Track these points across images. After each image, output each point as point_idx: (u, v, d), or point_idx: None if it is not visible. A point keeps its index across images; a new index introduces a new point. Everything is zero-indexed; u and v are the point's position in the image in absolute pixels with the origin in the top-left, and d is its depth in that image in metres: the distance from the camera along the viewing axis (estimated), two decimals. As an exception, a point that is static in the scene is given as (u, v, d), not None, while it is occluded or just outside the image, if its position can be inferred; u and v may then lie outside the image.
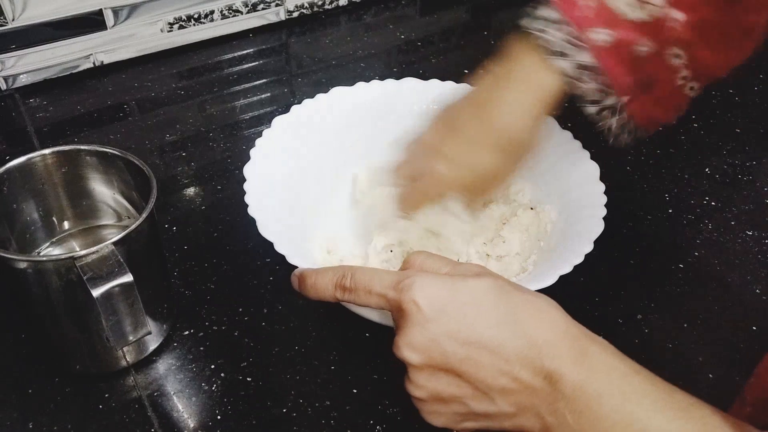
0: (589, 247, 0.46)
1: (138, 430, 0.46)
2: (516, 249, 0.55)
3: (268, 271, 0.57)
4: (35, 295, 0.44)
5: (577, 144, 0.55)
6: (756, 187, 0.67)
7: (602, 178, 0.53)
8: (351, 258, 0.55)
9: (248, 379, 0.50)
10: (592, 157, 0.54)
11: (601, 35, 0.46)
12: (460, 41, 0.87)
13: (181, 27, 0.79)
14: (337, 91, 0.59)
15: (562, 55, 0.47)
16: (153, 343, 0.50)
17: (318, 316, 0.54)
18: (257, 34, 0.85)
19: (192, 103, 0.75)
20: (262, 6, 0.83)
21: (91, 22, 0.74)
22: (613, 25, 0.46)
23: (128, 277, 0.41)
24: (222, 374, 0.50)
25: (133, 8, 0.75)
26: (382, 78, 0.61)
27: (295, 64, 0.82)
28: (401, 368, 0.39)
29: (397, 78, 0.61)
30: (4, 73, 0.73)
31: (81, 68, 0.76)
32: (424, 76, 0.61)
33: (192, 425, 0.47)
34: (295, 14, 0.86)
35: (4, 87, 0.74)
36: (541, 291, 0.43)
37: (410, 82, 0.60)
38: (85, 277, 0.40)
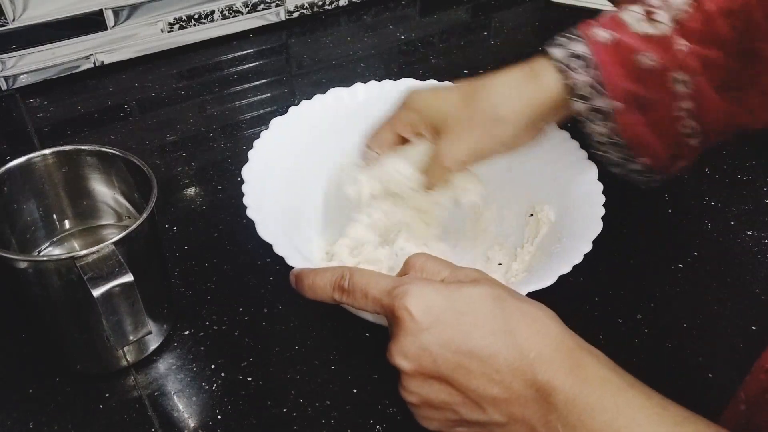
0: (588, 247, 0.46)
1: (138, 430, 0.46)
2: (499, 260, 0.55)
3: (268, 271, 0.57)
4: (36, 295, 0.44)
5: (575, 144, 0.55)
6: (755, 187, 0.67)
7: (602, 178, 0.53)
8: (350, 260, 0.55)
9: (248, 378, 0.50)
10: (591, 157, 0.54)
11: (602, 34, 0.47)
12: (460, 41, 0.87)
13: (181, 27, 0.79)
14: (335, 92, 0.59)
15: (556, 44, 0.48)
16: (153, 343, 0.50)
17: (318, 316, 0.54)
18: (257, 34, 0.85)
19: (192, 104, 0.75)
20: (262, 6, 0.83)
21: (92, 23, 0.74)
22: (615, 28, 0.47)
23: (129, 277, 0.41)
24: (222, 374, 0.50)
25: (133, 8, 0.75)
26: (382, 78, 0.61)
27: (295, 64, 0.82)
28: (398, 372, 0.39)
29: (397, 78, 0.61)
30: (4, 74, 0.73)
31: (81, 68, 0.76)
32: (424, 77, 0.61)
33: (192, 425, 0.47)
34: (295, 14, 0.87)
35: (4, 87, 0.74)
36: (541, 291, 0.44)
37: (408, 83, 0.60)
38: (85, 277, 0.40)
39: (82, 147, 0.49)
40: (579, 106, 0.48)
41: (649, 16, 0.46)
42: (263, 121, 0.72)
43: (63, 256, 0.42)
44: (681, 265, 0.59)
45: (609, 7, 0.58)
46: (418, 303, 0.37)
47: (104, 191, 0.52)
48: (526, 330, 0.36)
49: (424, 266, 0.41)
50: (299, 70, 0.81)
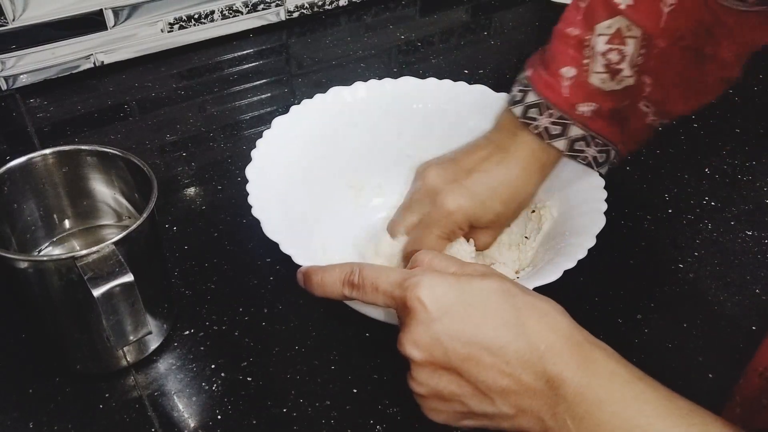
0: (591, 242, 0.46)
1: (138, 430, 0.46)
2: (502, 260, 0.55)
3: (269, 271, 0.57)
4: (36, 295, 0.44)
5: None
6: (756, 187, 0.67)
7: (602, 178, 0.53)
8: (352, 258, 0.55)
9: (248, 378, 0.50)
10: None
11: (585, 107, 0.50)
12: (460, 41, 0.87)
13: (181, 27, 0.79)
14: (336, 91, 0.59)
15: (554, 136, 0.51)
16: (153, 343, 0.50)
17: (318, 316, 0.54)
18: (257, 34, 0.85)
19: (192, 104, 0.75)
20: (262, 6, 0.83)
21: (92, 23, 0.74)
22: (592, 98, 0.50)
23: (129, 277, 0.41)
24: (222, 374, 0.50)
25: (133, 8, 0.75)
26: (382, 78, 0.61)
27: (295, 64, 0.82)
28: (402, 367, 0.39)
29: (397, 78, 0.61)
30: (4, 74, 0.73)
31: (81, 68, 0.76)
32: (424, 77, 0.61)
33: (192, 425, 0.47)
34: (295, 14, 0.86)
35: (4, 87, 0.74)
36: (542, 289, 0.44)
37: (408, 81, 0.60)
38: (85, 277, 0.40)
39: (82, 147, 0.49)
40: (600, 169, 0.53)
41: (613, 74, 0.49)
42: (263, 121, 0.72)
43: (63, 256, 0.42)
44: (681, 265, 0.59)
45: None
46: (430, 293, 0.37)
47: (104, 191, 0.52)
48: (536, 323, 0.37)
49: (432, 262, 0.41)
50: (299, 70, 0.81)
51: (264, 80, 0.79)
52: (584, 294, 0.56)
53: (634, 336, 0.53)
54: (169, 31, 0.79)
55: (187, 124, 0.72)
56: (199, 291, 0.55)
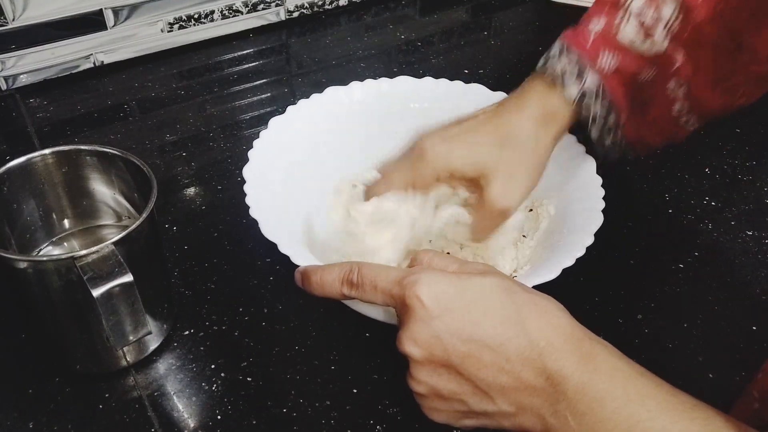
0: (590, 240, 0.46)
1: (138, 430, 0.46)
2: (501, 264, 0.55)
3: (268, 271, 0.57)
4: (35, 295, 0.44)
5: (572, 138, 0.55)
6: (756, 187, 0.67)
7: (602, 179, 0.53)
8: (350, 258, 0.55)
9: (248, 379, 0.50)
10: (589, 151, 0.54)
11: (608, 60, 0.48)
12: (460, 41, 0.87)
13: (181, 27, 0.79)
14: (332, 91, 0.59)
15: (568, 82, 0.48)
16: (153, 343, 0.50)
17: (318, 316, 0.54)
18: (257, 34, 0.85)
19: (192, 104, 0.75)
20: (262, 6, 0.83)
21: (92, 22, 0.74)
22: (617, 51, 0.48)
23: (128, 277, 0.41)
24: (222, 374, 0.50)
25: (133, 8, 0.75)
26: (381, 78, 0.61)
27: (295, 64, 0.82)
28: (402, 367, 0.39)
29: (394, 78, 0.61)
30: (4, 73, 0.73)
31: (81, 68, 0.76)
32: (423, 77, 0.61)
33: (192, 425, 0.47)
34: (295, 14, 0.86)
35: (4, 87, 0.74)
36: (545, 285, 0.44)
37: (405, 81, 0.61)
38: (85, 277, 0.40)
39: (82, 147, 0.49)
40: (594, 132, 0.51)
41: (646, 35, 0.47)
42: (263, 121, 0.72)
43: (63, 256, 0.42)
44: (681, 265, 0.59)
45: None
46: (429, 291, 0.37)
47: (104, 191, 0.52)
48: (537, 320, 0.37)
49: (432, 261, 0.41)
50: (299, 70, 0.81)
51: (264, 80, 0.79)
52: (584, 294, 0.56)
53: (634, 336, 0.53)
54: (169, 31, 0.79)
55: (187, 124, 0.72)
56: (199, 291, 0.55)
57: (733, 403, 0.44)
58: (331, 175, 0.59)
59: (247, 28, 0.84)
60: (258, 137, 0.55)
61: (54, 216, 0.52)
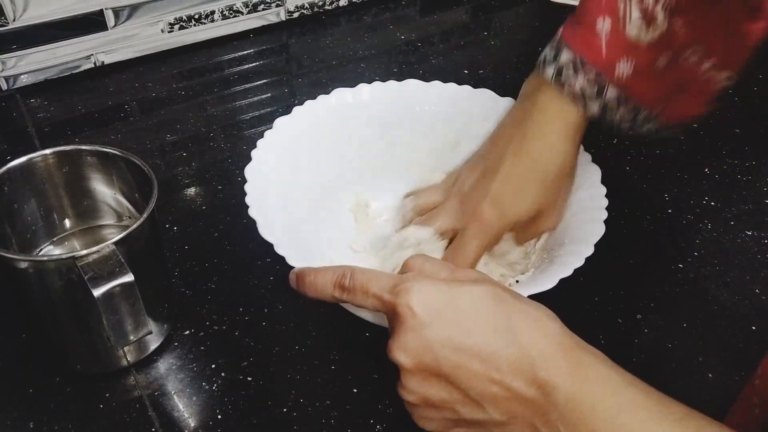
0: (590, 251, 0.46)
1: (138, 430, 0.46)
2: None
3: (269, 271, 0.57)
4: (36, 295, 0.44)
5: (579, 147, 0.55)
6: (755, 187, 0.67)
7: (602, 178, 0.53)
8: (351, 261, 0.55)
9: (248, 378, 0.50)
10: (594, 160, 0.54)
11: (623, 67, 0.48)
12: (460, 41, 0.87)
13: (181, 27, 0.79)
14: (339, 92, 0.59)
15: (589, 97, 0.49)
16: (154, 343, 0.50)
17: (318, 316, 0.54)
18: (257, 34, 0.85)
19: (192, 104, 0.75)
20: (262, 6, 0.83)
21: (92, 23, 0.74)
22: (631, 53, 0.47)
23: (129, 277, 0.41)
24: (222, 374, 0.50)
25: (133, 9, 0.75)
26: (382, 78, 0.61)
27: (295, 64, 0.82)
28: (397, 371, 0.39)
29: (398, 78, 0.61)
30: (5, 74, 0.73)
31: (82, 68, 0.76)
32: (425, 77, 0.61)
33: (192, 425, 0.47)
34: (296, 15, 0.87)
35: (5, 87, 0.74)
36: (542, 294, 0.44)
37: (412, 84, 0.60)
38: (86, 277, 0.40)
39: (83, 147, 0.49)
40: (624, 129, 0.51)
41: (649, 22, 0.47)
42: (264, 121, 0.72)
43: (63, 256, 0.42)
44: (681, 265, 0.59)
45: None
46: (420, 299, 0.37)
47: (104, 191, 0.52)
48: (527, 329, 0.36)
49: (423, 267, 0.41)
50: (299, 70, 0.81)
51: (264, 80, 0.79)
52: (584, 294, 0.56)
53: (634, 336, 0.53)
54: (169, 31, 0.79)
55: (187, 124, 0.72)
56: (199, 291, 0.55)
57: (733, 403, 0.44)
58: (334, 177, 0.59)
59: (248, 29, 0.84)
60: (258, 137, 0.55)
61: (55, 216, 0.52)
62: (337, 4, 0.89)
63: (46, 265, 0.43)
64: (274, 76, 0.80)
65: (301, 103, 0.58)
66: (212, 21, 0.81)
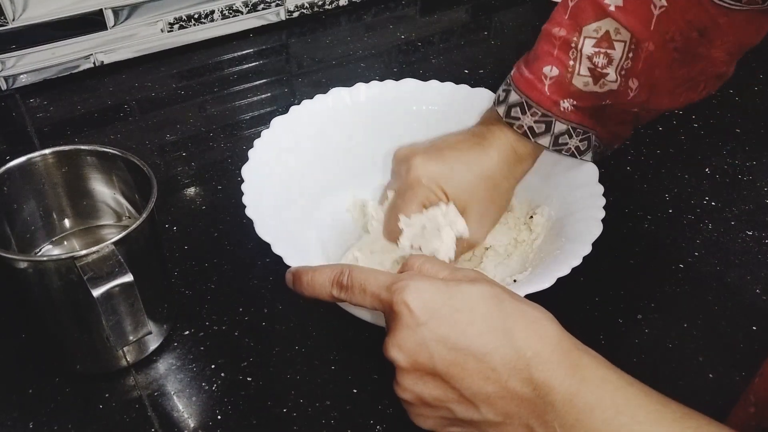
0: (587, 250, 0.46)
1: (138, 430, 0.46)
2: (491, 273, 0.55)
3: (268, 271, 0.57)
4: (35, 295, 0.44)
5: None
6: (756, 187, 0.67)
7: (602, 178, 0.53)
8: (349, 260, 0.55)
9: (248, 379, 0.50)
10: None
11: (567, 104, 0.50)
12: (460, 41, 0.87)
13: (181, 27, 0.79)
14: (336, 92, 0.59)
15: (538, 134, 0.51)
16: (153, 343, 0.50)
17: (318, 317, 0.54)
18: (257, 34, 0.85)
19: (192, 104, 0.75)
20: (262, 6, 0.83)
21: (92, 22, 0.74)
22: (573, 97, 0.50)
23: (128, 277, 0.41)
24: (222, 374, 0.50)
25: (133, 8, 0.75)
26: (382, 78, 0.61)
27: (295, 64, 0.82)
28: (393, 369, 0.39)
29: (397, 78, 0.61)
30: (4, 74, 0.73)
31: (81, 68, 0.76)
32: (425, 77, 0.61)
33: (192, 425, 0.47)
34: (295, 14, 0.86)
35: (4, 87, 0.74)
36: (541, 291, 0.44)
37: (409, 83, 0.60)
38: (85, 277, 0.40)
39: (82, 147, 0.49)
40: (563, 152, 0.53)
41: (597, 78, 0.49)
42: (263, 121, 0.72)
43: (63, 256, 0.42)
44: (681, 265, 0.59)
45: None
46: (417, 298, 0.37)
47: (104, 191, 0.52)
48: (524, 330, 0.36)
49: (423, 266, 0.41)
50: (299, 70, 0.81)
51: (264, 80, 0.79)
52: (584, 294, 0.56)
53: (634, 336, 0.53)
54: (169, 31, 0.79)
55: (187, 124, 0.72)
56: (199, 291, 0.55)
57: (733, 404, 0.44)
58: (332, 177, 0.58)
59: (247, 28, 0.84)
60: (258, 137, 0.55)
61: (54, 216, 0.52)
62: (337, 4, 0.89)
63: (45, 265, 0.43)
64: (273, 75, 0.80)
65: (299, 103, 0.58)
66: (212, 21, 0.81)
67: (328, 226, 0.57)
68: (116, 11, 0.74)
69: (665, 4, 0.46)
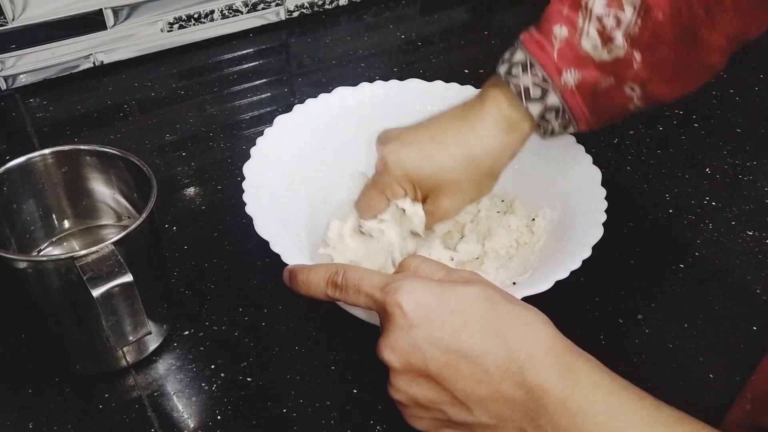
0: (587, 253, 0.46)
1: (138, 430, 0.46)
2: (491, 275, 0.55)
3: (268, 271, 0.57)
4: (35, 295, 0.44)
5: (580, 149, 0.55)
6: (756, 187, 0.67)
7: (602, 178, 0.53)
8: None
9: (248, 379, 0.50)
10: (595, 162, 0.54)
11: (570, 77, 0.48)
12: (460, 41, 0.87)
13: (181, 27, 0.79)
14: (340, 92, 0.59)
15: (532, 98, 0.49)
16: (153, 343, 0.50)
17: (318, 317, 0.54)
18: (257, 34, 0.85)
19: (192, 103, 0.75)
20: (262, 6, 0.83)
21: (91, 22, 0.74)
22: (580, 66, 0.48)
23: (128, 277, 0.41)
24: (222, 374, 0.50)
25: (133, 8, 0.75)
26: (382, 78, 0.61)
27: (295, 64, 0.82)
28: (387, 370, 0.39)
29: (398, 78, 0.61)
30: (4, 73, 0.73)
31: (81, 68, 0.76)
32: (425, 76, 0.61)
33: (192, 425, 0.47)
34: (295, 14, 0.86)
35: (4, 87, 0.74)
36: (543, 294, 0.43)
37: (414, 83, 0.60)
38: (85, 277, 0.40)
39: (82, 147, 0.49)
40: (547, 137, 0.52)
41: (605, 41, 0.48)
42: (263, 121, 0.72)
43: (62, 256, 0.42)
44: (681, 265, 0.59)
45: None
46: (410, 299, 0.37)
47: (104, 191, 0.52)
48: (517, 332, 0.36)
49: (418, 267, 0.41)
50: (299, 70, 0.81)
51: (264, 80, 0.79)
52: (584, 294, 0.56)
53: (634, 336, 0.53)
54: (168, 31, 0.79)
55: (186, 124, 0.72)
56: (199, 291, 0.55)
57: (732, 404, 0.44)
58: (334, 176, 0.58)
59: (247, 28, 0.84)
60: (258, 137, 0.55)
61: (54, 216, 0.52)
62: (337, 4, 0.89)
63: (45, 266, 0.42)
64: (273, 75, 0.80)
65: (301, 102, 0.58)
66: (212, 20, 0.81)
67: (328, 226, 0.57)
68: (116, 11, 0.74)
69: None
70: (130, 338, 0.44)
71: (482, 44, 0.87)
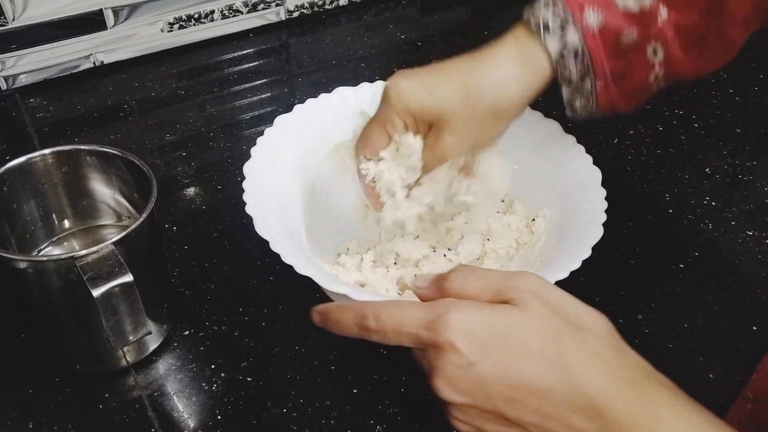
0: (587, 253, 0.46)
1: (138, 430, 0.46)
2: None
3: (268, 271, 0.57)
4: (35, 295, 0.44)
5: (581, 149, 0.55)
6: (756, 187, 0.67)
7: (602, 178, 0.53)
8: (349, 262, 0.55)
9: (248, 379, 0.50)
10: (596, 162, 0.54)
11: (593, 17, 0.46)
12: (460, 41, 0.87)
13: (181, 27, 0.79)
14: (341, 91, 0.59)
15: (551, 32, 0.47)
16: (153, 343, 0.50)
17: (318, 316, 0.54)
18: (257, 34, 0.85)
19: (192, 103, 0.75)
20: (262, 6, 0.83)
21: (91, 22, 0.74)
22: (604, 6, 0.46)
23: (128, 277, 0.41)
24: (222, 374, 0.50)
25: (133, 8, 0.75)
26: (382, 78, 0.61)
27: (295, 64, 0.82)
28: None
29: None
30: (4, 73, 0.73)
31: (81, 68, 0.76)
32: (425, 76, 0.61)
33: (192, 425, 0.47)
34: (296, 14, 0.86)
35: (4, 87, 0.74)
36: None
37: None
38: (85, 277, 0.40)
39: (82, 147, 0.49)
40: (565, 91, 0.49)
41: None
42: (263, 121, 0.72)
43: (63, 256, 0.42)
44: (681, 265, 0.59)
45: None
46: (463, 336, 0.34)
47: (104, 191, 0.52)
48: (586, 365, 0.34)
49: (462, 288, 0.37)
50: (299, 70, 0.81)
51: (264, 80, 0.79)
52: (584, 294, 0.55)
53: (634, 336, 0.53)
54: (169, 31, 0.79)
55: (186, 123, 0.72)
56: (199, 291, 0.55)
57: (732, 404, 0.44)
58: (334, 177, 0.58)
59: (247, 28, 0.84)
60: (258, 137, 0.55)
61: (54, 216, 0.52)
62: (337, 4, 0.89)
63: (45, 266, 0.43)
64: (273, 75, 0.80)
65: (301, 102, 0.58)
66: (212, 20, 0.81)
67: (328, 226, 0.57)
68: (116, 11, 0.74)
69: None
70: (131, 338, 0.44)
71: (482, 44, 0.86)
